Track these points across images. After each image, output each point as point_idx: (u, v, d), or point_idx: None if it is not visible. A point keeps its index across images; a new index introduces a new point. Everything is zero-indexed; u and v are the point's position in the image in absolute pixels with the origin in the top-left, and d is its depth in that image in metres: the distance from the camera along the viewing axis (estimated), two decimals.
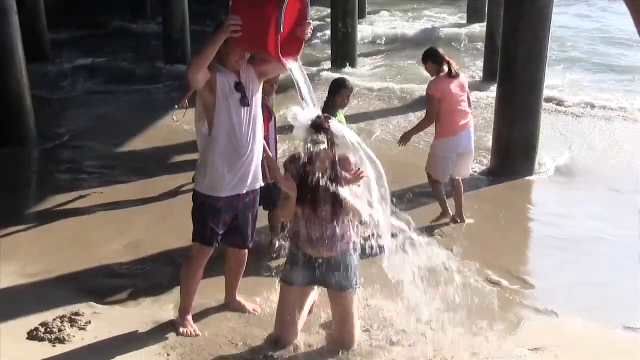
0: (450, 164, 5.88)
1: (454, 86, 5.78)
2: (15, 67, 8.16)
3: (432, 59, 5.88)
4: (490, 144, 7.68)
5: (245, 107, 3.91)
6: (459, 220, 6.03)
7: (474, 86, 11.67)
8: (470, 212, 6.28)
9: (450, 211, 6.01)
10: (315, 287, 4.22)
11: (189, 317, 4.15)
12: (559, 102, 10.61)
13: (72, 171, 7.52)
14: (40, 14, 12.90)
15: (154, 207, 6.42)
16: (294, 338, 4.01)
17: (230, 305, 4.43)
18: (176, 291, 4.67)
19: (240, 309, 4.41)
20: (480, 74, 11.89)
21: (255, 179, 4.07)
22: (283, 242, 4.24)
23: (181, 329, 4.08)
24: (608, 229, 5.88)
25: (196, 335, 4.07)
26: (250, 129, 3.95)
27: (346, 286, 3.93)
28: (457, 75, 5.81)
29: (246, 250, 4.36)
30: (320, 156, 3.73)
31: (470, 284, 4.89)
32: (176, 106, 6.86)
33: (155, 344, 3.99)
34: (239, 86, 3.91)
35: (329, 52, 13.01)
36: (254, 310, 4.40)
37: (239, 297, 4.46)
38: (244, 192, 4.04)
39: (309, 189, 3.79)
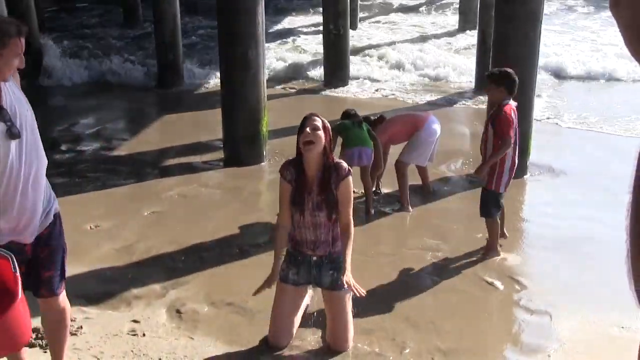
0: (430, 148, 6.51)
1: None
2: None
3: None
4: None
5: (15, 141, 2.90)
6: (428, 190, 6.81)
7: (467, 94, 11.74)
8: (463, 214, 6.31)
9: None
10: (310, 290, 4.22)
11: None
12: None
13: (65, 175, 7.48)
14: (32, 19, 12.83)
15: (146, 211, 6.40)
16: (288, 340, 4.00)
17: None
18: (169, 295, 4.66)
19: None
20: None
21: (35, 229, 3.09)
22: None
23: None
24: (601, 229, 5.89)
25: None
26: (24, 168, 2.94)
27: (340, 285, 3.93)
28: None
29: (60, 303, 3.32)
30: (313, 157, 3.75)
31: (464, 285, 4.90)
32: None
33: (147, 350, 3.96)
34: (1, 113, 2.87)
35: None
36: None
37: None
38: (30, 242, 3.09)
39: (302, 195, 3.80)
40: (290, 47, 16.13)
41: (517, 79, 5.21)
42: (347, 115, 6.44)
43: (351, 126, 6.24)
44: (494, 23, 7.57)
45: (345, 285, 3.85)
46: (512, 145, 5.16)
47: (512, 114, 5.18)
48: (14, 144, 2.89)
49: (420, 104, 11.11)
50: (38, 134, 3.05)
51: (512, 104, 5.23)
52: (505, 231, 5.59)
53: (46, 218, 3.13)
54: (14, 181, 2.91)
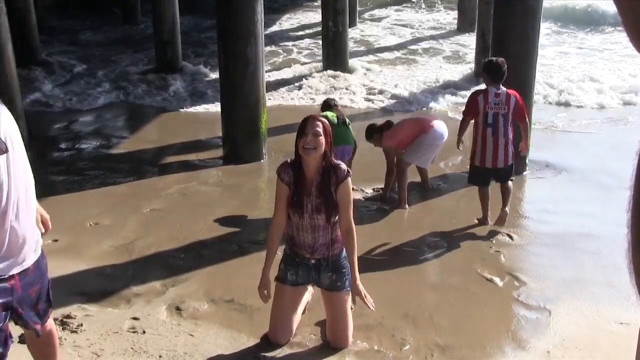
0: (434, 151, 6.59)
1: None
2: (5, 68, 8.12)
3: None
4: None
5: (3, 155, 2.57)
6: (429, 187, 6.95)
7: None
8: (462, 211, 6.32)
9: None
10: (310, 287, 4.22)
11: None
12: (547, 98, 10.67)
13: (64, 173, 7.49)
14: (30, 15, 12.83)
15: (146, 208, 6.40)
16: (288, 338, 4.01)
17: None
18: (169, 293, 4.67)
19: None
20: None
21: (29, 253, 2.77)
22: None
23: None
24: (600, 225, 5.90)
25: None
26: (14, 187, 2.63)
27: (340, 287, 3.93)
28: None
29: (46, 327, 3.05)
30: (312, 160, 3.75)
31: (463, 281, 4.91)
32: None
33: (147, 347, 3.97)
34: None
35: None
36: None
37: None
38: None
39: (301, 198, 3.78)
40: (288, 45, 16.10)
41: (502, 67, 5.63)
42: (327, 105, 6.39)
43: (335, 124, 6.14)
44: (493, 20, 7.57)
45: (350, 288, 3.87)
46: (482, 125, 5.67)
47: (480, 98, 5.64)
48: (1, 159, 2.54)
49: (419, 101, 11.10)
50: (25, 151, 2.75)
51: (493, 90, 5.63)
52: (488, 218, 5.95)
53: (35, 251, 2.82)
54: (5, 202, 2.57)
